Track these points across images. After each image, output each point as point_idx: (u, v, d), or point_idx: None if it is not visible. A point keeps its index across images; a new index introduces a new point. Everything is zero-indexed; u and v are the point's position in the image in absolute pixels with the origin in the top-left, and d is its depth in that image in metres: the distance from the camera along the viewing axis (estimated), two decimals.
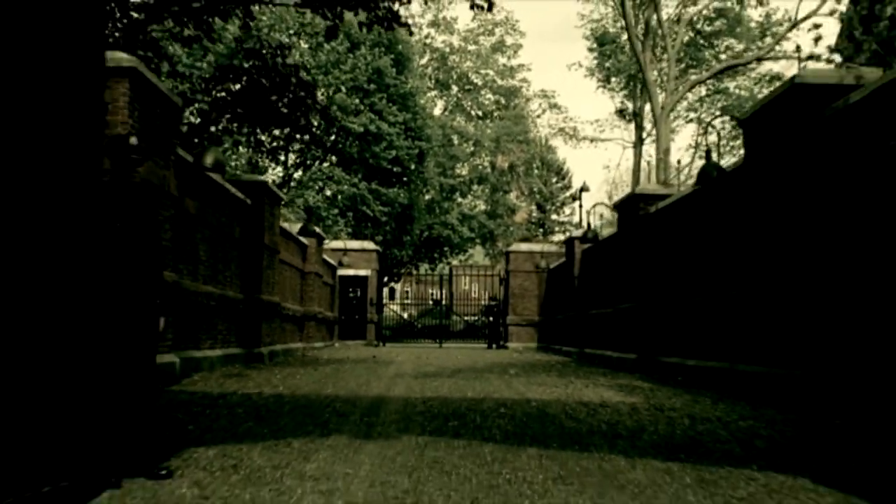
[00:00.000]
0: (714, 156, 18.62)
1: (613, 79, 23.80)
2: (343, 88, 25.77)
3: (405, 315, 41.00)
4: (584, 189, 29.21)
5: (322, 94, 23.63)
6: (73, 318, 2.92)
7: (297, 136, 15.87)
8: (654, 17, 21.36)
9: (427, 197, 33.78)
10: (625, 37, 21.84)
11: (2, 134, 2.53)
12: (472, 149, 39.87)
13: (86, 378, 2.99)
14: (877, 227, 5.34)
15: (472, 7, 8.68)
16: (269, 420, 5.18)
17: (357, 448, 4.18)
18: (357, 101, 26.17)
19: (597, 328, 14.93)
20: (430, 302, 38.69)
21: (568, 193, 49.97)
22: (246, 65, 10.21)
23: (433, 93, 40.90)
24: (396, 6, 9.16)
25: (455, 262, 40.98)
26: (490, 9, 8.76)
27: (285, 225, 14.79)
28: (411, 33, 12.25)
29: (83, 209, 2.99)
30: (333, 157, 27.81)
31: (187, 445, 4.10)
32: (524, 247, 23.95)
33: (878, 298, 5.24)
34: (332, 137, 27.17)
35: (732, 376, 7.84)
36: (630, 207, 12.35)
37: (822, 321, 5.98)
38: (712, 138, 22.44)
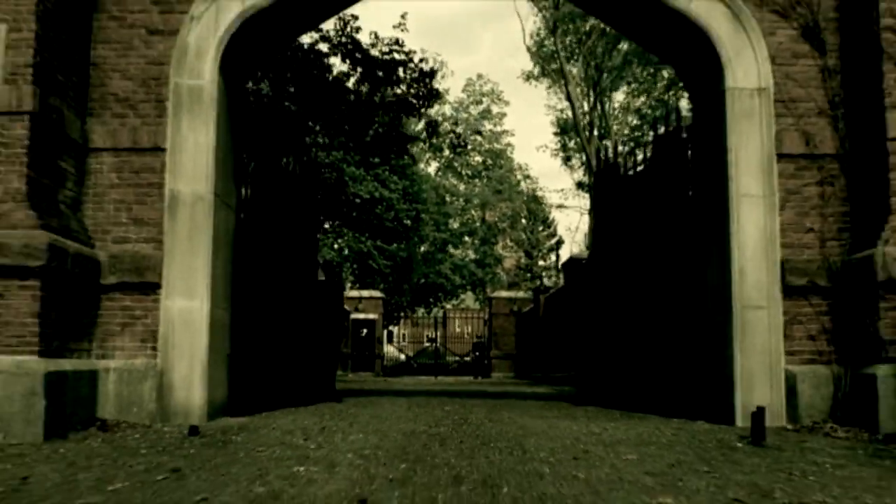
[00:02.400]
0: None
1: (574, 156, 29.09)
2: (351, 161, 31.02)
3: (402, 356, 45.48)
4: (560, 242, 34.43)
5: (328, 157, 28.66)
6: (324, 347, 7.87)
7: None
8: (602, 112, 26.98)
9: (423, 249, 38.85)
10: (584, 122, 27.08)
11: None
12: (462, 205, 45.32)
13: (323, 369, 7.94)
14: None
15: (453, 150, 13.74)
16: (353, 394, 10.07)
17: (397, 399, 9.07)
18: (362, 171, 31.42)
19: (554, 357, 19.80)
20: (426, 342, 43.23)
21: (553, 241, 55.02)
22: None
23: (427, 155, 46.50)
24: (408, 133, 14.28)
25: (448, 306, 45.71)
26: (465, 147, 13.80)
27: None
28: (414, 162, 17.43)
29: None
30: (345, 211, 32.90)
31: None
32: (504, 294, 28.98)
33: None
34: (343, 198, 32.31)
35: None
36: (570, 268, 17.36)
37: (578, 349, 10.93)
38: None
